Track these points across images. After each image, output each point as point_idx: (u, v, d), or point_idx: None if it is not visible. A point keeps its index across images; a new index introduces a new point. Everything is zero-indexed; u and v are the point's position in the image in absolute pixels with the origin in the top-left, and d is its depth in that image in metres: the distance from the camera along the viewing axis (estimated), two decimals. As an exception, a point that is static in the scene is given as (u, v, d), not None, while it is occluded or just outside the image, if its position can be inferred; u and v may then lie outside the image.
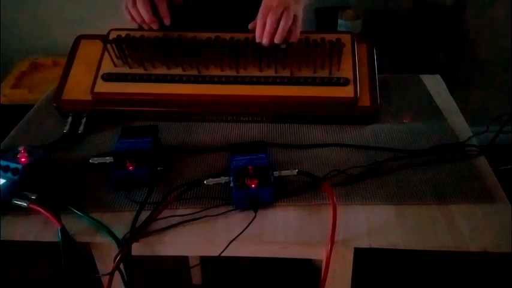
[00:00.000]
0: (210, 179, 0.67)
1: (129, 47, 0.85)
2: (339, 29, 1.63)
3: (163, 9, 0.84)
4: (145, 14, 0.82)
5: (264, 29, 0.79)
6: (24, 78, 1.86)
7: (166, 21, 0.85)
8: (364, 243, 0.60)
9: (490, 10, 1.80)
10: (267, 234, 0.62)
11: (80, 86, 0.86)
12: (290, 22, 0.79)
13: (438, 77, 0.99)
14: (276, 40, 0.80)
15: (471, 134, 0.79)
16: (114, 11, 1.74)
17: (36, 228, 0.63)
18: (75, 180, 0.71)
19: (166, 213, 0.64)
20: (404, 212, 0.64)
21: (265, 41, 0.80)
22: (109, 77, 0.84)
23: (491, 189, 0.67)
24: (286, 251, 0.68)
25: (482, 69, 1.95)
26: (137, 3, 0.82)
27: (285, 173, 0.69)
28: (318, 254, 0.65)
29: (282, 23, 0.78)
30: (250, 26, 0.85)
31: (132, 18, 0.84)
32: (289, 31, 0.80)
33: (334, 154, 0.76)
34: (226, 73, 0.84)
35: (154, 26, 0.84)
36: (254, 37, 0.86)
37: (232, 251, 0.61)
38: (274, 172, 0.69)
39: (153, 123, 0.82)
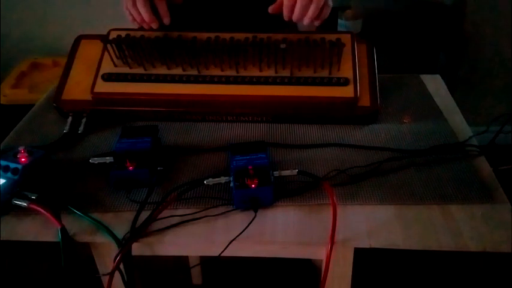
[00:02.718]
0: (210, 179, 0.67)
1: (129, 47, 0.85)
2: (339, 29, 1.63)
3: (162, 9, 0.84)
4: (145, 13, 0.82)
5: (292, 9, 0.77)
6: (24, 78, 1.86)
7: (166, 21, 0.85)
8: (364, 243, 0.60)
9: (490, 10, 1.80)
10: (267, 234, 0.62)
11: (80, 86, 0.86)
12: (321, 4, 0.77)
13: (438, 77, 0.99)
14: (306, 22, 0.77)
15: (471, 134, 0.79)
16: (114, 11, 1.74)
17: (36, 228, 0.63)
18: (75, 180, 0.71)
19: (166, 213, 0.64)
20: (404, 212, 0.64)
21: (295, 20, 0.78)
22: (109, 77, 0.84)
23: (491, 189, 0.67)
24: (286, 251, 0.68)
25: (482, 69, 1.95)
26: (137, 3, 0.82)
27: (285, 173, 0.69)
28: (318, 254, 0.65)
29: (312, 9, 0.76)
30: (270, 10, 0.83)
31: (133, 18, 0.85)
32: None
33: (334, 154, 0.76)
34: (226, 73, 0.84)
35: (154, 26, 0.85)
36: (254, 37, 0.86)
37: (232, 251, 0.61)
38: (274, 172, 0.69)
39: (153, 123, 0.83)
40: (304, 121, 0.84)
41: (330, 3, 0.81)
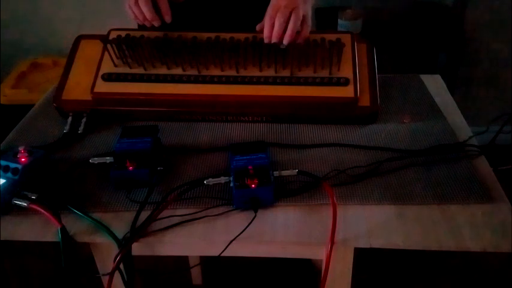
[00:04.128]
0: (210, 179, 0.67)
1: (129, 47, 0.85)
2: (339, 29, 1.63)
3: (164, 7, 0.85)
4: (147, 11, 0.83)
5: (272, 29, 0.80)
6: (24, 78, 1.86)
7: (167, 19, 0.85)
8: (364, 243, 0.60)
9: (490, 10, 1.80)
10: (267, 234, 0.62)
11: (80, 86, 0.86)
12: (299, 23, 0.79)
13: (438, 77, 0.99)
14: (285, 41, 0.80)
15: (471, 134, 0.79)
16: (114, 11, 1.74)
17: (36, 228, 0.63)
18: (75, 180, 0.71)
19: (166, 213, 0.64)
20: (404, 212, 0.64)
21: (274, 42, 0.80)
22: (109, 77, 0.84)
23: (491, 189, 0.67)
24: (286, 251, 0.68)
25: (482, 69, 1.95)
26: (139, 1, 0.82)
27: (285, 173, 0.69)
28: (318, 254, 0.65)
29: (290, 25, 0.79)
30: (258, 28, 0.85)
31: (135, 16, 0.85)
32: (298, 32, 0.81)
33: (334, 154, 0.76)
34: (226, 73, 0.84)
35: (156, 24, 0.85)
36: (254, 37, 0.86)
37: (232, 251, 0.61)
38: (274, 172, 0.69)
39: (153, 123, 0.82)
40: (304, 121, 0.84)
41: (309, 22, 0.83)
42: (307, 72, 0.83)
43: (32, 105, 0.94)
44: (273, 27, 0.80)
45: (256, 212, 0.63)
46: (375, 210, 0.65)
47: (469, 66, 1.93)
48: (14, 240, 0.62)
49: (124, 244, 0.60)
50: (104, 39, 0.86)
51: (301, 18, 0.79)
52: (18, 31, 1.92)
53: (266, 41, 0.81)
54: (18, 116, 0.90)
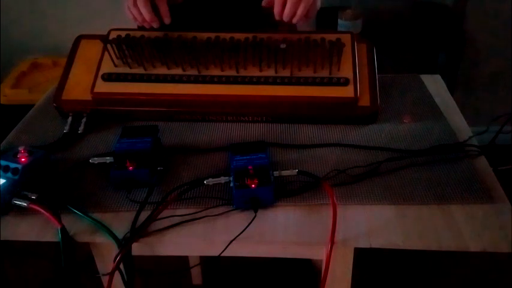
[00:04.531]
0: (210, 179, 0.67)
1: (129, 47, 0.85)
2: (339, 29, 1.63)
3: (163, 9, 0.85)
4: (146, 13, 0.83)
5: (282, 8, 0.81)
6: (24, 78, 1.86)
7: (167, 20, 0.85)
8: (364, 243, 0.60)
9: (490, 10, 1.80)
10: (267, 234, 0.62)
11: (80, 86, 0.86)
12: (309, 5, 0.81)
13: (438, 77, 0.99)
14: (294, 21, 0.82)
15: (471, 134, 0.79)
16: (114, 11, 1.74)
17: (36, 228, 0.63)
18: (75, 180, 0.71)
19: (166, 213, 0.64)
20: (404, 212, 0.64)
21: (286, 20, 0.82)
22: (109, 77, 0.84)
23: (491, 189, 0.67)
24: (286, 251, 0.68)
25: (482, 69, 1.95)
26: (138, 2, 0.82)
27: (285, 173, 0.69)
28: (318, 254, 0.65)
29: (301, 8, 0.80)
30: (264, 3, 0.86)
31: (134, 17, 0.85)
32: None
33: (334, 154, 0.76)
34: (226, 73, 0.84)
35: (155, 25, 0.85)
36: (254, 37, 0.86)
37: (232, 251, 0.61)
38: (274, 172, 0.69)
39: (153, 123, 0.83)
40: (304, 121, 0.84)
41: (319, 4, 0.85)
42: (307, 72, 0.83)
43: (32, 105, 0.94)
44: (283, 5, 0.81)
45: (256, 212, 0.63)
46: (375, 210, 0.65)
47: (469, 66, 1.93)
48: (14, 240, 0.62)
49: (124, 244, 0.60)
50: (104, 39, 0.86)
51: (311, 0, 0.81)
52: (18, 31, 1.92)
53: (277, 18, 0.82)
54: (18, 116, 0.90)
